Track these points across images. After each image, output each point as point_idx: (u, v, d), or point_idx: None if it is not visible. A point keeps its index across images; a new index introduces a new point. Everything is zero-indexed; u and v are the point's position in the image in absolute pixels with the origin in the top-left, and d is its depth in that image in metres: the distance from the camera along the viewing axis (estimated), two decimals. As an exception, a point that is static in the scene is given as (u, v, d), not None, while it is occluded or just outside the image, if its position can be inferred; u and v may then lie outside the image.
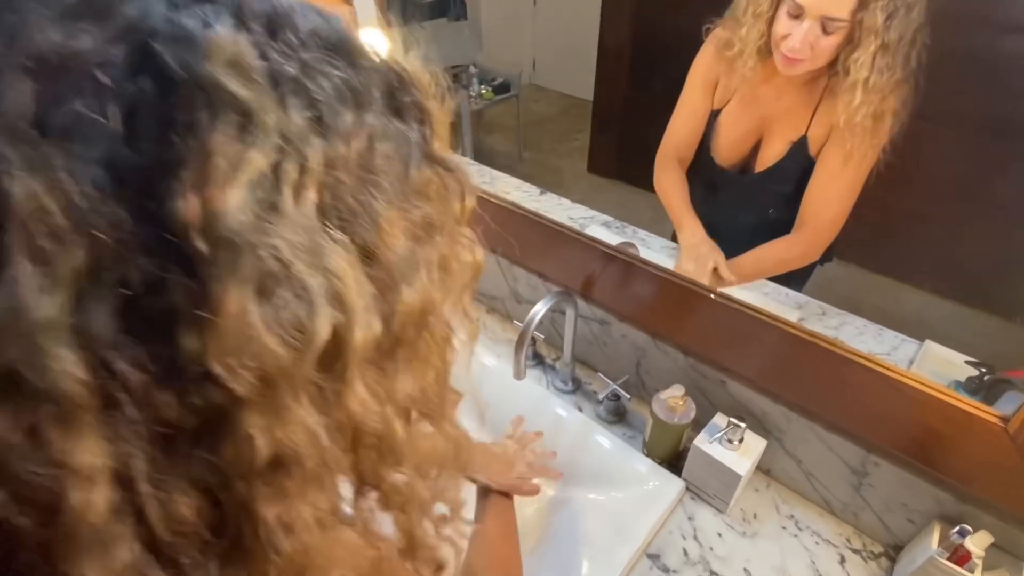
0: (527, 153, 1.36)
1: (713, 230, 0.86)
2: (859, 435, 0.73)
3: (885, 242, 0.79)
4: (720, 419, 0.83)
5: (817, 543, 0.80)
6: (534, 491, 0.73)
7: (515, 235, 0.94)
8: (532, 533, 0.85)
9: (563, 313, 1.04)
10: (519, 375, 0.84)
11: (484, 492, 0.70)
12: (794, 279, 0.86)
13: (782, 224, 0.82)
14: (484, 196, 1.04)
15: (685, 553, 0.79)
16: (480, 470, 0.70)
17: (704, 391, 0.88)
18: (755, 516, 0.83)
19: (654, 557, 0.79)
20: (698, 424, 0.83)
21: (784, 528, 0.82)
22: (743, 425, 0.76)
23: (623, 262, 0.90)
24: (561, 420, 0.95)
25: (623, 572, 0.76)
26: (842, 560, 0.78)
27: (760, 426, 0.83)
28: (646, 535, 0.79)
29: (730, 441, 0.79)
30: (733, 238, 0.85)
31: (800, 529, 0.81)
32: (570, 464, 0.92)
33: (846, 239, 0.78)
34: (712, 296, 0.80)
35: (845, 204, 0.75)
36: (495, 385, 1.03)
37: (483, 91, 1.33)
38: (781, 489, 0.86)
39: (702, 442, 0.80)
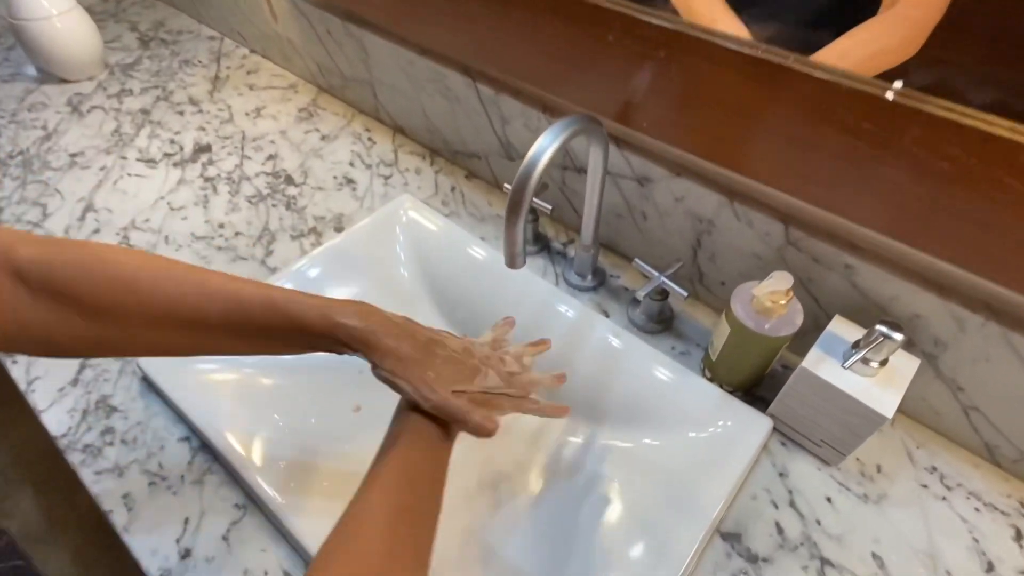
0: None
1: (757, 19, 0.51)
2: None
3: None
4: (844, 327, 0.53)
5: (977, 509, 0.53)
6: (486, 430, 0.44)
7: (498, 35, 0.58)
8: (531, 501, 0.58)
9: (580, 171, 0.70)
10: (514, 261, 0.52)
11: (407, 412, 0.44)
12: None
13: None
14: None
15: (778, 529, 0.52)
16: (405, 366, 0.43)
17: (814, 284, 0.57)
18: (879, 470, 0.56)
19: (732, 538, 0.52)
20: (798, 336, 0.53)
21: (925, 487, 0.55)
22: (898, 337, 0.46)
23: (687, 51, 0.54)
24: (577, 330, 0.65)
25: (686, 567, 0.49)
26: (1018, 535, 0.52)
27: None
28: (718, 504, 0.52)
29: (867, 363, 0.49)
30: (789, 34, 0.51)
31: (949, 488, 0.55)
32: (591, 395, 0.63)
33: None
34: (889, 96, 0.46)
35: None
36: (479, 283, 0.71)
37: None
38: (915, 428, 0.59)
39: (817, 363, 0.50)
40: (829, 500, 0.54)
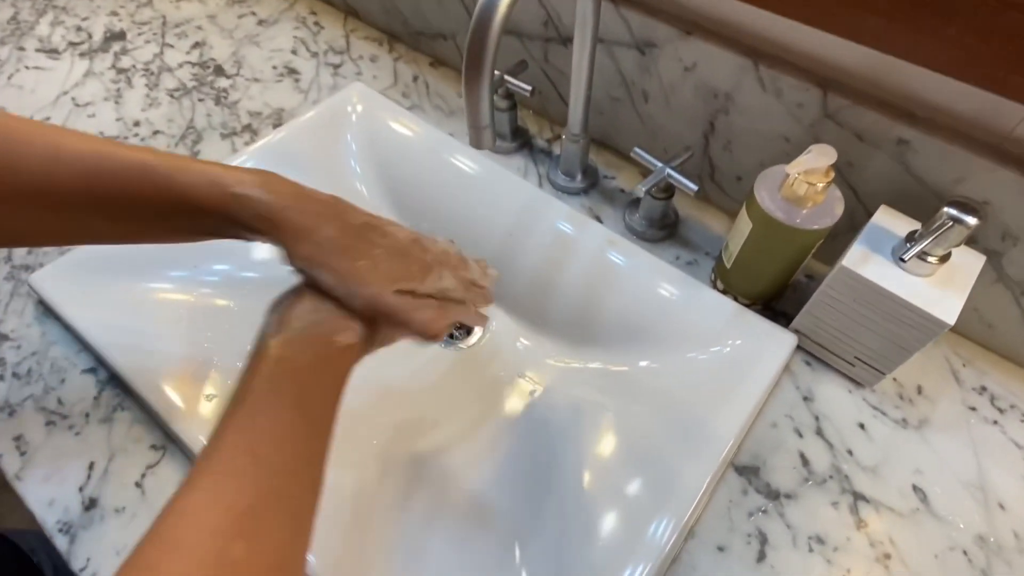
0: None
1: None
2: None
3: None
4: (892, 218, 0.44)
5: (1033, 434, 0.46)
6: (432, 330, 0.35)
7: None
8: (515, 436, 0.50)
9: (566, 42, 0.58)
10: (480, 136, 0.41)
11: (290, 303, 0.33)
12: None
13: None
14: None
15: (803, 461, 0.45)
16: (328, 253, 0.33)
17: (855, 170, 0.47)
18: (920, 391, 0.48)
19: (749, 472, 0.44)
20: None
21: (973, 410, 0.47)
22: (972, 221, 0.37)
23: None
24: (565, 238, 0.55)
25: (695, 506, 0.41)
26: (1080, 463, 0.45)
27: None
28: (732, 434, 0.44)
29: (923, 258, 0.40)
30: None
31: (1000, 411, 0.47)
32: (583, 313, 0.54)
33: None
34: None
35: None
36: (447, 186, 0.60)
37: None
38: (961, 343, 0.50)
39: (861, 262, 0.41)
40: (862, 426, 0.46)
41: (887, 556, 0.41)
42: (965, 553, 0.41)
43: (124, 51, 0.75)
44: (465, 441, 0.50)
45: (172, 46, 0.76)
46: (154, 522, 0.25)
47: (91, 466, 0.46)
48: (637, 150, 0.52)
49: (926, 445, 0.45)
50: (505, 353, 0.55)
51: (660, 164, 0.51)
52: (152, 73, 0.73)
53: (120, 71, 0.73)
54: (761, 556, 0.41)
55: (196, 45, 0.76)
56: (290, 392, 0.30)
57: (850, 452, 0.45)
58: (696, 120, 0.54)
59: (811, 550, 0.41)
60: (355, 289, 0.32)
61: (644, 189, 0.51)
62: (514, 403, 0.52)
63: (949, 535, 0.41)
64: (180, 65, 0.74)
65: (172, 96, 0.70)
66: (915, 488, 0.43)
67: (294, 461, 0.29)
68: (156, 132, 0.66)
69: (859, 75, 0.44)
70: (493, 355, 0.55)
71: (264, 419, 0.29)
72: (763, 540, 0.42)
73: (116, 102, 0.69)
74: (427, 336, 0.35)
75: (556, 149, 0.64)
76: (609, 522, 0.42)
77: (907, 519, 0.42)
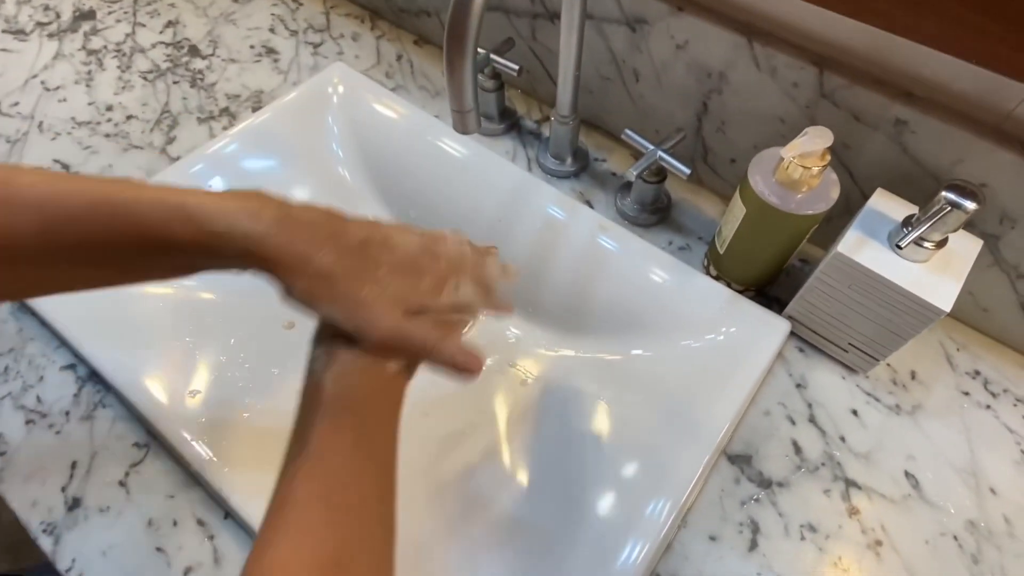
0: None
1: None
2: None
3: None
4: (888, 202, 0.43)
5: (1026, 418, 0.46)
6: (471, 369, 0.33)
7: None
8: (511, 423, 0.49)
9: (554, 18, 0.56)
10: (465, 120, 0.39)
11: (331, 341, 0.31)
12: None
13: None
14: None
15: (796, 449, 0.45)
16: (329, 284, 0.30)
17: (851, 152, 0.46)
18: (913, 377, 0.48)
19: (741, 460, 0.44)
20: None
21: (966, 395, 0.47)
22: (971, 205, 0.36)
23: None
24: (555, 223, 0.54)
25: (688, 495, 0.41)
26: (1072, 446, 0.45)
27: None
28: (725, 422, 0.43)
29: (920, 243, 0.39)
30: None
31: (994, 395, 0.47)
32: (573, 300, 0.53)
33: None
34: None
35: None
36: (434, 171, 0.59)
37: None
38: (955, 327, 0.50)
39: (856, 248, 0.40)
40: (855, 413, 0.46)
41: (878, 543, 0.41)
42: (955, 538, 0.41)
43: (94, 31, 0.73)
44: (455, 431, 0.49)
45: (144, 25, 0.73)
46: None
47: (73, 465, 0.45)
48: (628, 132, 0.51)
49: (919, 431, 0.45)
50: (495, 343, 0.54)
51: (652, 147, 0.50)
52: (124, 54, 0.70)
53: (91, 52, 0.70)
54: (753, 545, 0.41)
55: (169, 24, 0.73)
56: (351, 429, 0.29)
57: (843, 439, 0.45)
58: (689, 100, 0.52)
59: (803, 538, 0.41)
60: (366, 325, 0.30)
61: (635, 173, 0.50)
62: (505, 393, 0.51)
63: (940, 521, 0.42)
64: (153, 45, 0.71)
65: (146, 79, 0.68)
66: (907, 474, 0.43)
67: (367, 501, 0.28)
68: (130, 117, 0.64)
69: (857, 53, 0.43)
70: (483, 345, 0.54)
71: (331, 463, 0.28)
72: (755, 529, 0.42)
73: (88, 85, 0.67)
74: (465, 377, 0.33)
75: (545, 131, 0.63)
76: (606, 506, 0.42)
77: (899, 505, 0.42)
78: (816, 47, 0.44)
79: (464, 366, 0.33)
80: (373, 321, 0.30)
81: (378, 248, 0.32)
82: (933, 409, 0.46)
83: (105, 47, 0.71)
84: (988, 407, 0.46)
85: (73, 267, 0.30)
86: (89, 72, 0.68)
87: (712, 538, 0.41)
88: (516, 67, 0.56)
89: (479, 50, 0.56)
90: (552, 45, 0.59)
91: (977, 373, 0.48)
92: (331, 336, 0.31)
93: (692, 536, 0.42)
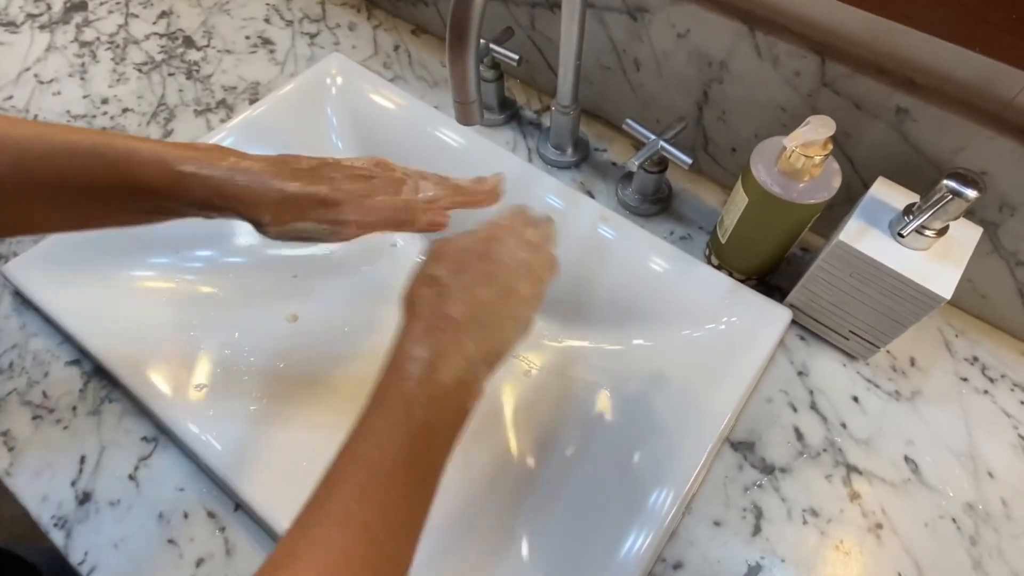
0: None
1: None
2: None
3: None
4: (889, 191, 0.43)
5: (1023, 402, 0.47)
6: (439, 223, 0.39)
7: None
8: (513, 417, 0.50)
9: (554, 7, 0.56)
10: (468, 112, 0.40)
11: (430, 339, 0.31)
12: None
13: None
14: None
15: (798, 435, 0.45)
16: (298, 206, 0.34)
17: (852, 141, 0.47)
18: (913, 363, 0.49)
19: (744, 447, 0.45)
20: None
21: (965, 380, 0.48)
22: (972, 193, 0.36)
23: None
24: (557, 214, 0.54)
25: (692, 483, 0.42)
26: (1068, 429, 0.46)
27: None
28: (727, 410, 0.44)
29: (921, 232, 0.40)
30: None
31: (991, 380, 0.48)
32: (574, 290, 0.54)
33: None
34: None
35: None
36: (434, 161, 0.59)
37: None
38: (954, 314, 0.51)
39: (857, 236, 0.41)
40: (856, 400, 0.47)
41: (879, 526, 0.42)
42: (954, 521, 0.42)
43: (86, 22, 0.72)
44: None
45: (137, 16, 0.73)
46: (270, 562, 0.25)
47: (82, 460, 0.45)
48: (629, 122, 0.51)
49: (918, 416, 0.46)
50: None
51: (653, 136, 0.50)
52: (118, 46, 0.70)
53: (84, 44, 0.70)
54: (756, 530, 0.42)
55: (163, 15, 0.73)
56: (423, 464, 0.29)
57: (844, 425, 0.46)
58: (689, 89, 0.52)
59: (805, 522, 0.42)
60: (344, 222, 0.33)
61: (637, 163, 0.50)
62: (510, 383, 0.52)
63: (939, 504, 0.43)
64: (147, 37, 0.71)
65: (140, 71, 0.67)
66: (907, 459, 0.44)
67: (412, 535, 0.28)
68: (126, 110, 0.64)
69: (858, 41, 0.43)
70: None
71: (391, 493, 0.27)
72: (758, 514, 0.43)
73: (82, 78, 0.67)
74: (436, 228, 0.37)
75: (545, 121, 0.63)
76: (609, 496, 0.43)
77: (899, 489, 0.43)
78: (818, 35, 0.44)
79: (435, 223, 0.37)
80: (349, 217, 0.33)
81: (331, 168, 0.36)
82: (932, 395, 0.47)
83: (98, 39, 0.70)
84: (986, 392, 0.47)
85: (47, 206, 0.32)
86: (83, 64, 0.68)
87: (716, 523, 0.42)
88: (516, 57, 0.56)
89: (479, 41, 0.56)
90: (551, 34, 0.59)
91: (975, 359, 0.49)
92: (425, 334, 0.30)
93: (696, 522, 0.42)
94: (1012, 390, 0.47)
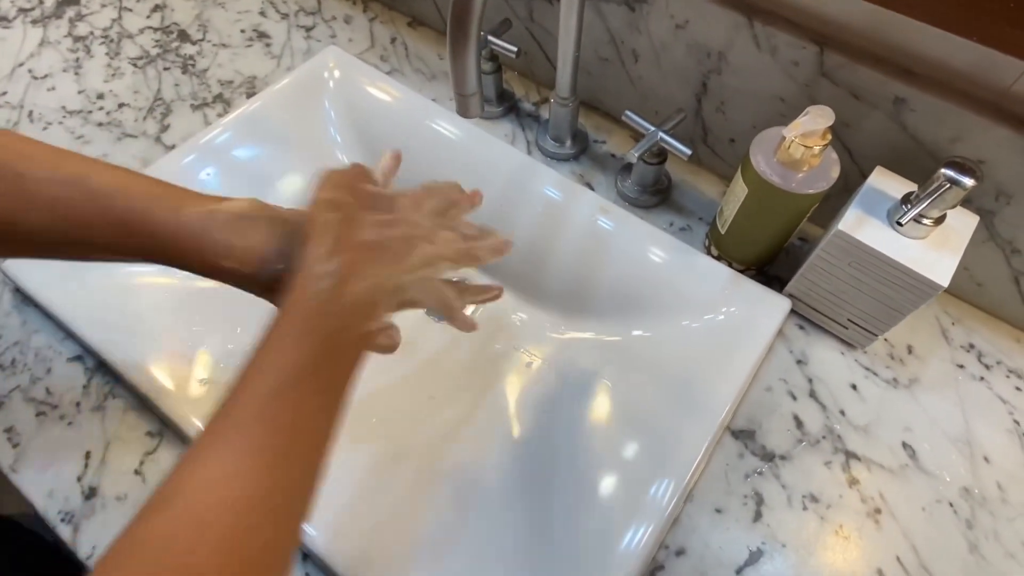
0: None
1: None
2: None
3: None
4: (887, 180, 0.44)
5: (1018, 388, 0.48)
6: (470, 324, 0.38)
7: None
8: (515, 411, 0.51)
9: (557, -7, 0.56)
10: (467, 104, 0.40)
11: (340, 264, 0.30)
12: None
13: None
14: None
15: (797, 423, 0.46)
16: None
17: (850, 131, 0.47)
18: (910, 351, 0.50)
19: (744, 435, 0.46)
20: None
21: (961, 367, 0.49)
22: (969, 182, 0.37)
23: None
24: (556, 206, 0.55)
25: (694, 471, 0.43)
26: (1062, 414, 0.47)
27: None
28: (728, 399, 0.45)
29: (919, 220, 0.40)
30: None
31: (987, 367, 0.49)
32: (575, 282, 0.54)
33: None
34: None
35: None
36: (432, 154, 0.59)
37: None
38: (950, 302, 0.52)
39: (856, 226, 0.42)
40: (854, 387, 0.48)
41: (877, 511, 0.43)
42: (951, 505, 0.43)
43: (79, 17, 0.72)
44: (466, 415, 0.51)
45: (131, 10, 0.72)
46: (163, 488, 0.25)
47: (87, 455, 0.46)
48: (628, 113, 0.52)
49: (915, 403, 0.47)
50: (504, 327, 0.55)
51: (652, 128, 0.51)
52: (112, 40, 0.69)
53: (77, 39, 0.70)
54: (757, 516, 0.43)
55: (156, 8, 0.72)
56: (326, 376, 0.29)
57: (842, 412, 0.47)
58: (688, 80, 0.53)
59: (805, 508, 0.43)
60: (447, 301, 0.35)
61: (637, 155, 0.51)
62: (513, 376, 0.52)
63: (936, 489, 0.44)
64: (141, 31, 0.70)
65: (135, 65, 0.67)
66: (904, 445, 0.45)
67: (320, 449, 0.29)
68: (122, 105, 0.64)
69: (856, 30, 0.43)
70: (492, 330, 0.55)
71: (309, 401, 0.28)
72: (759, 501, 0.43)
73: (76, 73, 0.66)
74: (467, 330, 0.37)
75: (544, 113, 0.63)
76: (611, 487, 0.44)
77: (896, 475, 0.44)
78: (816, 25, 0.45)
79: (468, 324, 0.38)
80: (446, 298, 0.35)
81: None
82: (929, 382, 0.48)
83: (92, 33, 0.70)
84: (982, 379, 0.48)
85: (60, 248, 0.34)
86: (77, 59, 0.68)
87: (718, 510, 0.43)
88: (514, 49, 0.56)
89: (480, 34, 0.56)
90: (550, 26, 0.59)
91: (971, 346, 0.50)
92: (330, 254, 0.30)
93: (698, 509, 0.43)
94: (1007, 377, 0.48)
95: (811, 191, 0.43)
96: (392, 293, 0.32)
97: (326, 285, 0.29)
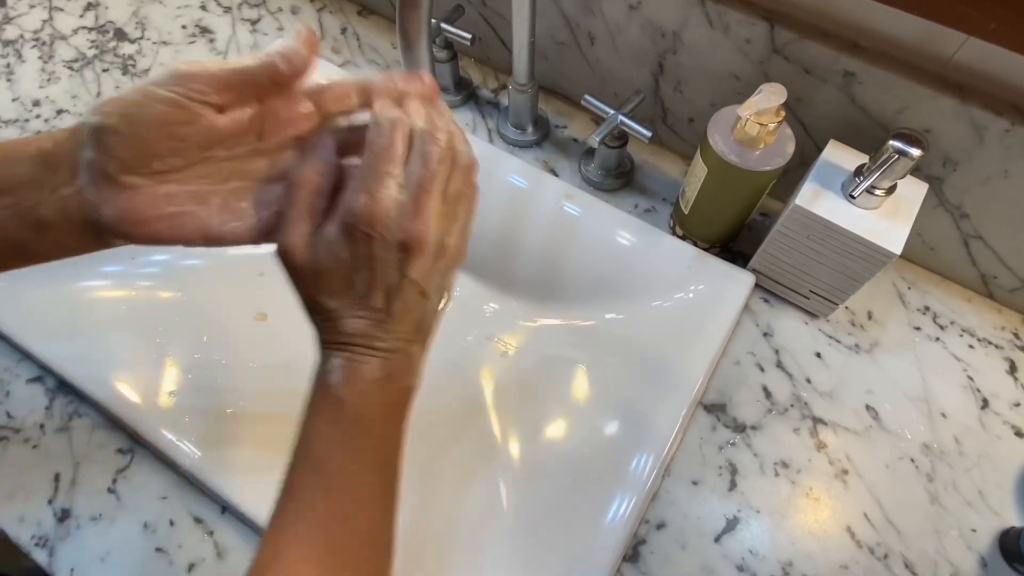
0: None
1: None
2: None
3: None
4: (840, 153, 0.46)
5: (971, 346, 0.51)
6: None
7: None
8: (489, 394, 0.52)
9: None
10: (414, 59, 0.40)
11: (345, 349, 0.31)
12: None
13: None
14: None
15: (766, 394, 0.49)
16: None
17: (803, 105, 0.49)
18: (870, 317, 0.53)
19: (716, 409, 0.48)
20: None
21: (918, 329, 0.52)
22: (916, 152, 0.39)
23: None
24: (521, 194, 0.56)
25: (670, 447, 0.45)
26: (1012, 368, 0.50)
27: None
28: (699, 375, 0.47)
29: (871, 191, 0.43)
30: None
31: (942, 328, 0.52)
32: (543, 270, 0.56)
33: None
34: None
35: None
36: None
37: None
38: (906, 267, 0.55)
39: (813, 200, 0.44)
40: (819, 355, 0.50)
41: (845, 472, 0.46)
42: (912, 461, 0.46)
43: (7, 19, 0.69)
44: (444, 408, 0.52)
45: (62, 9, 0.70)
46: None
47: (57, 477, 0.46)
48: (588, 97, 0.53)
49: (877, 366, 0.50)
50: (474, 319, 0.56)
51: (612, 111, 0.52)
52: (44, 43, 0.67)
53: (7, 43, 0.67)
54: (732, 485, 0.46)
55: (89, 7, 0.70)
56: (371, 451, 0.31)
57: (808, 380, 0.49)
58: (645, 62, 0.54)
59: (777, 474, 0.46)
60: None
61: (598, 139, 0.52)
62: (487, 366, 0.54)
63: (898, 447, 0.47)
64: (75, 31, 0.68)
65: (72, 68, 0.65)
66: (868, 407, 0.48)
67: (381, 522, 0.31)
68: (60, 111, 0.62)
69: (804, 6, 0.45)
70: (463, 322, 0.56)
71: (355, 488, 0.30)
72: (733, 470, 0.46)
73: (8, 79, 0.64)
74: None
75: (503, 100, 0.64)
76: (592, 465, 0.46)
77: (861, 436, 0.47)
78: (766, 2, 0.46)
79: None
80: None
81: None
82: (888, 345, 0.51)
83: (22, 36, 0.68)
84: (937, 339, 0.52)
85: None
86: (8, 65, 0.66)
87: (694, 483, 0.46)
88: (469, 35, 0.56)
89: (431, 22, 0.56)
90: (503, 11, 0.60)
91: (927, 308, 0.53)
92: (341, 344, 0.30)
93: (676, 483, 0.46)
94: (961, 336, 0.52)
95: (768, 168, 0.45)
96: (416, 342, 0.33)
97: (336, 377, 0.30)
